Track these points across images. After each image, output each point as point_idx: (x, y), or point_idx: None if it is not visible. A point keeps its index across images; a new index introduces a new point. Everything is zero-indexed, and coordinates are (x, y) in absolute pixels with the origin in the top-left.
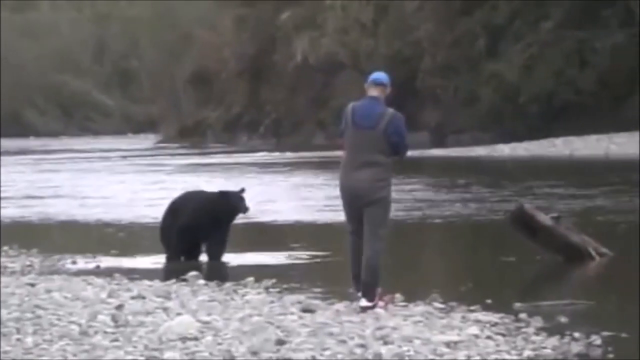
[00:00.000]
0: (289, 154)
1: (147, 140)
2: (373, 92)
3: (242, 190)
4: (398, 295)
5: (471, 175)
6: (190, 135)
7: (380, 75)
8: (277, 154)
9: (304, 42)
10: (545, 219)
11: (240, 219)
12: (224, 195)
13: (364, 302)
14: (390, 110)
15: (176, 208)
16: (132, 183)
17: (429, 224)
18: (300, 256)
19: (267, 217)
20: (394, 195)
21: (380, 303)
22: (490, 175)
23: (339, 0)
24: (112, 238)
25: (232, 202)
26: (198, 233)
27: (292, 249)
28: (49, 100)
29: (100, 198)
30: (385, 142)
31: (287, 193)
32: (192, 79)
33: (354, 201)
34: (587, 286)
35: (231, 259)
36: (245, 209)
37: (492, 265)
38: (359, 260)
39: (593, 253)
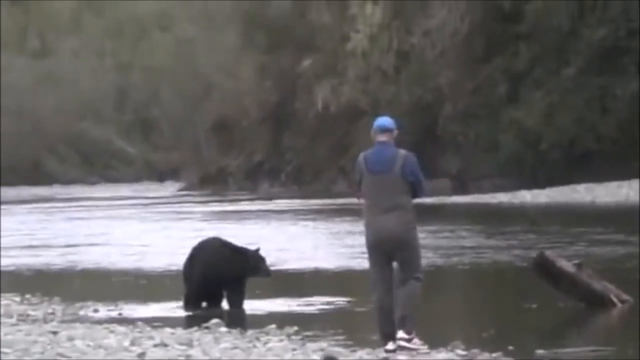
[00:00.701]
0: (311, 202)
1: (168, 188)
2: (381, 137)
3: (258, 249)
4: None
5: (493, 222)
6: (212, 182)
7: (384, 121)
8: (298, 201)
9: (325, 89)
10: (567, 265)
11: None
12: (242, 253)
13: (401, 334)
14: (402, 151)
15: (195, 255)
16: (160, 231)
17: (451, 270)
18: (323, 303)
19: (290, 265)
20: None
21: (417, 341)
22: (512, 221)
23: (359, 47)
24: (134, 285)
25: (251, 263)
26: (217, 282)
27: (314, 296)
28: (70, 148)
29: (138, 246)
30: (404, 183)
31: (310, 240)
32: (213, 127)
33: (381, 245)
34: (609, 333)
35: (253, 306)
36: (266, 272)
37: (515, 311)
38: (387, 318)
39: (615, 300)
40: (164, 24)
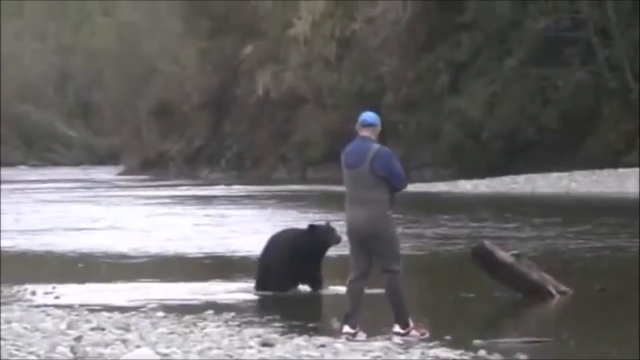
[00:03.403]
0: (250, 188)
1: (109, 172)
2: (363, 132)
3: (329, 224)
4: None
5: (432, 211)
6: (152, 167)
7: (369, 117)
8: (238, 187)
9: (266, 76)
10: (505, 256)
11: (205, 250)
12: (313, 228)
13: (397, 328)
14: (376, 146)
15: (270, 244)
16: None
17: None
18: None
19: (227, 249)
20: None
21: (415, 332)
22: (451, 211)
23: (302, 34)
24: (72, 268)
25: (321, 236)
26: (294, 267)
27: (251, 282)
28: (10, 131)
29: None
30: (374, 177)
31: (250, 226)
32: (154, 111)
33: (354, 236)
34: (547, 324)
35: (191, 291)
36: (337, 240)
37: (452, 301)
38: (352, 300)
39: (553, 291)
40: (106, 8)
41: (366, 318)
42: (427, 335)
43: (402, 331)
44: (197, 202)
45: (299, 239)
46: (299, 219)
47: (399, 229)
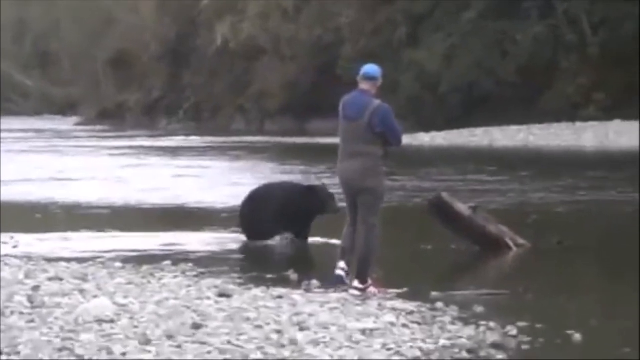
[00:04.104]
0: (209, 139)
1: (66, 122)
2: (364, 85)
3: (325, 186)
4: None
5: (389, 163)
6: (110, 117)
7: (371, 69)
8: (196, 138)
9: (225, 26)
10: (463, 208)
11: (162, 200)
12: (311, 191)
13: (356, 283)
14: (377, 102)
15: (258, 196)
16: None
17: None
18: (219, 241)
19: (199, 200)
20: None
21: (373, 289)
22: (409, 163)
23: None
24: (30, 218)
25: (319, 202)
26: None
27: (208, 232)
28: None
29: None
30: (371, 132)
31: (206, 177)
32: (112, 62)
33: (346, 189)
34: (504, 276)
35: (149, 241)
36: (334, 210)
37: (410, 253)
38: (346, 238)
39: (510, 243)
40: None
41: (322, 269)
42: (387, 294)
43: (360, 286)
44: (167, 153)
45: (296, 196)
46: (277, 172)
47: None
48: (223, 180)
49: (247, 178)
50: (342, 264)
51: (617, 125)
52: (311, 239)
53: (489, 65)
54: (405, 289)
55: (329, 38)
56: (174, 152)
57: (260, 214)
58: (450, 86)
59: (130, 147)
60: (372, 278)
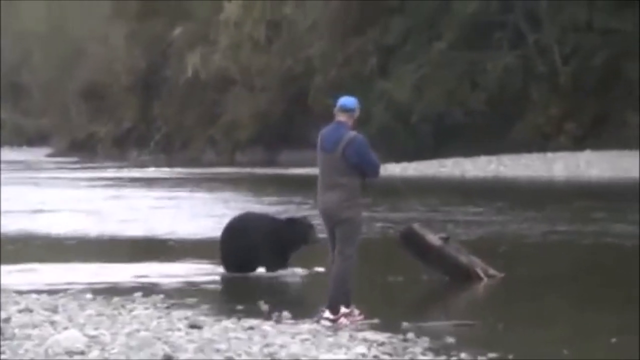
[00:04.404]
0: (178, 170)
1: (37, 153)
2: (341, 117)
3: (306, 217)
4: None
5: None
6: (81, 148)
7: (347, 101)
8: (167, 169)
9: (196, 57)
10: (434, 239)
11: (136, 231)
12: (292, 222)
13: (327, 314)
14: (352, 133)
15: (239, 227)
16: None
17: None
18: (190, 272)
19: (158, 232)
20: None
21: (344, 320)
22: (379, 194)
23: (233, 16)
24: (3, 249)
25: (300, 233)
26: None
27: (180, 264)
28: None
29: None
30: (346, 164)
31: (184, 209)
32: (83, 93)
33: (325, 220)
34: (475, 307)
35: (120, 273)
36: (314, 240)
37: (381, 284)
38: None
39: (481, 274)
40: None
41: (294, 300)
42: (362, 320)
43: (331, 317)
44: (144, 185)
45: (278, 228)
46: (255, 202)
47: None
48: (198, 212)
49: (221, 209)
50: (327, 313)
51: (587, 155)
52: (282, 270)
53: (460, 96)
54: (376, 320)
55: (299, 69)
56: (150, 183)
57: (243, 244)
58: (420, 116)
59: (108, 179)
60: (349, 309)
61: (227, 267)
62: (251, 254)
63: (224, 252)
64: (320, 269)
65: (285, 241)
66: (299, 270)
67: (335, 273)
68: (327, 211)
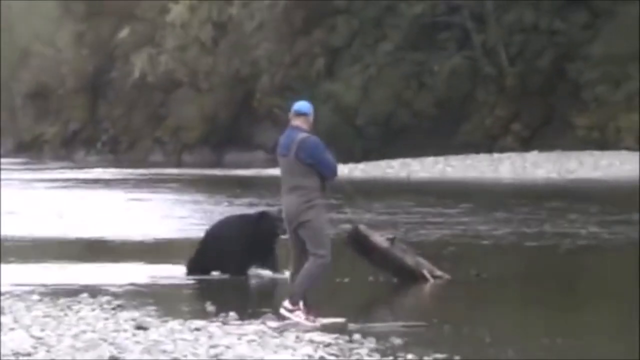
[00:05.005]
0: (126, 171)
1: None
2: (295, 121)
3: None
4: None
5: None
6: (28, 150)
7: (302, 106)
8: (114, 170)
9: (143, 59)
10: (380, 240)
11: (87, 233)
12: (262, 215)
13: (286, 303)
14: (302, 135)
15: (216, 234)
16: None
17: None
18: (138, 273)
19: (106, 233)
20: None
21: (301, 315)
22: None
23: (179, 18)
24: None
25: (268, 225)
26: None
27: (126, 264)
28: None
29: None
30: (301, 166)
31: (142, 210)
32: (30, 94)
33: (287, 223)
34: (421, 308)
35: (67, 274)
36: (283, 231)
37: (327, 285)
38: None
39: (427, 275)
40: None
41: (239, 301)
42: (315, 324)
43: (289, 307)
44: (101, 186)
45: (249, 225)
46: (210, 204)
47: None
48: (157, 214)
49: (176, 210)
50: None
51: (534, 156)
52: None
53: (406, 97)
54: (322, 322)
55: (246, 70)
56: (109, 184)
57: (227, 247)
58: (367, 118)
59: (66, 180)
60: (307, 306)
61: (191, 271)
62: (219, 260)
63: (198, 257)
64: (284, 276)
65: (258, 236)
66: (264, 273)
67: (306, 268)
68: (288, 214)
